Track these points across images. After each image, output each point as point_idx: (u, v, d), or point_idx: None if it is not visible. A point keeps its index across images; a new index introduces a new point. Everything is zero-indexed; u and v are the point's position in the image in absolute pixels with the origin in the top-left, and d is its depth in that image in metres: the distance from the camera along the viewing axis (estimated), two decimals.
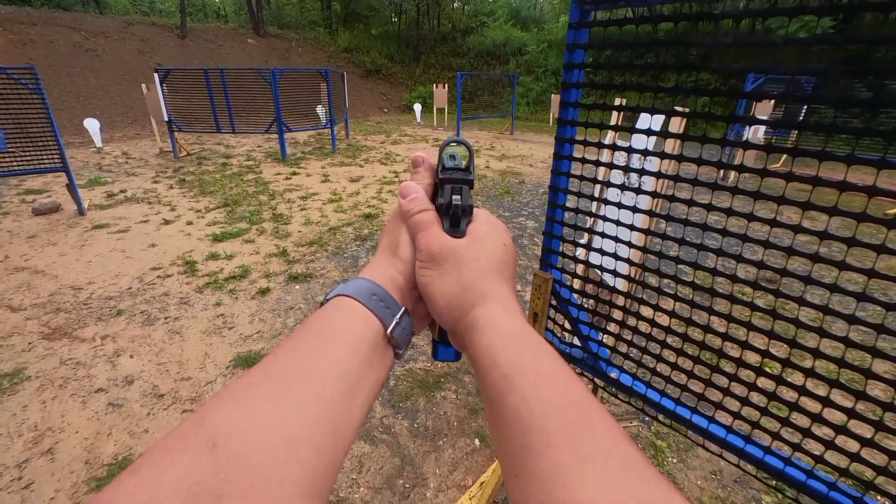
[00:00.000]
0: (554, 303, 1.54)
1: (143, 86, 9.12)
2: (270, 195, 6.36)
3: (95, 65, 13.98)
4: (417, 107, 16.21)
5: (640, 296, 1.33)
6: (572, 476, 0.24)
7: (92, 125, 9.76)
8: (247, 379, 0.28)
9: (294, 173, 7.69)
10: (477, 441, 2.18)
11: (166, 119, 8.72)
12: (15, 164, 4.99)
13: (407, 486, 1.93)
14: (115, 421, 2.30)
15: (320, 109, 10.49)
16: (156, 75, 8.59)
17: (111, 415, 2.34)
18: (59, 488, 1.92)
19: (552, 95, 15.22)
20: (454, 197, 0.41)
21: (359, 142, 11.19)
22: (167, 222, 5.24)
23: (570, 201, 1.40)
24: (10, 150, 4.88)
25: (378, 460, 2.06)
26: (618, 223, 1.25)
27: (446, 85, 14.11)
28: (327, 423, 0.28)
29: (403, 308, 0.38)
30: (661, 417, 1.39)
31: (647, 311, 2.60)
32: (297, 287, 3.72)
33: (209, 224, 5.19)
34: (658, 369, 1.33)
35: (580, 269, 1.66)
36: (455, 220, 0.40)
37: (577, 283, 1.58)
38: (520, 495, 0.26)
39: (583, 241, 1.51)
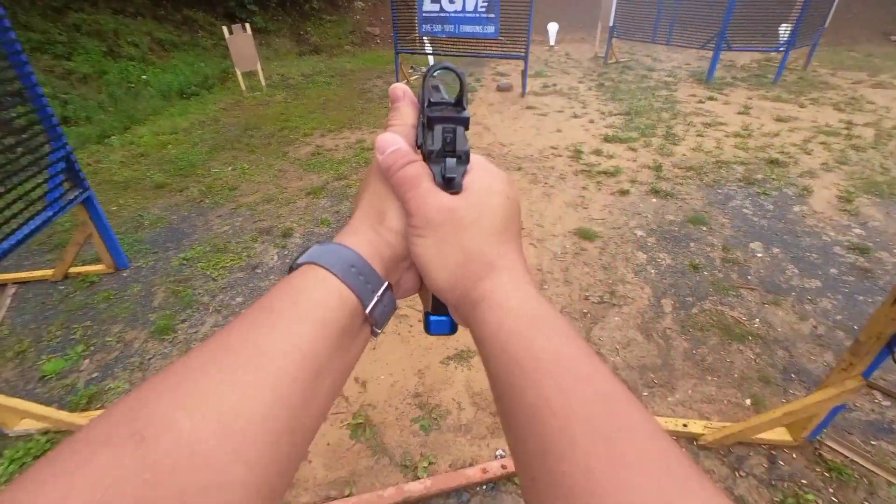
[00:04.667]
0: None
1: None
2: (674, 114, 6.20)
3: None
4: None
5: None
6: (601, 481, 0.20)
7: (552, 27, 11.70)
8: (192, 359, 0.24)
9: (710, 98, 7.02)
10: (748, 401, 2.00)
11: (610, 24, 9.38)
12: (498, 49, 6.86)
13: (655, 381, 2.09)
14: None
15: (783, 28, 8.55)
16: None
17: None
18: None
19: None
20: (447, 139, 0.34)
21: (819, 76, 8.58)
22: (575, 116, 6.13)
23: None
24: (500, 38, 6.71)
25: (643, 350, 2.27)
26: None
27: None
28: (285, 414, 0.24)
29: (386, 283, 0.32)
30: None
31: None
32: (654, 200, 3.84)
33: (606, 126, 5.73)
34: None
35: None
36: (450, 172, 0.33)
37: None
38: (538, 501, 0.23)
39: None
